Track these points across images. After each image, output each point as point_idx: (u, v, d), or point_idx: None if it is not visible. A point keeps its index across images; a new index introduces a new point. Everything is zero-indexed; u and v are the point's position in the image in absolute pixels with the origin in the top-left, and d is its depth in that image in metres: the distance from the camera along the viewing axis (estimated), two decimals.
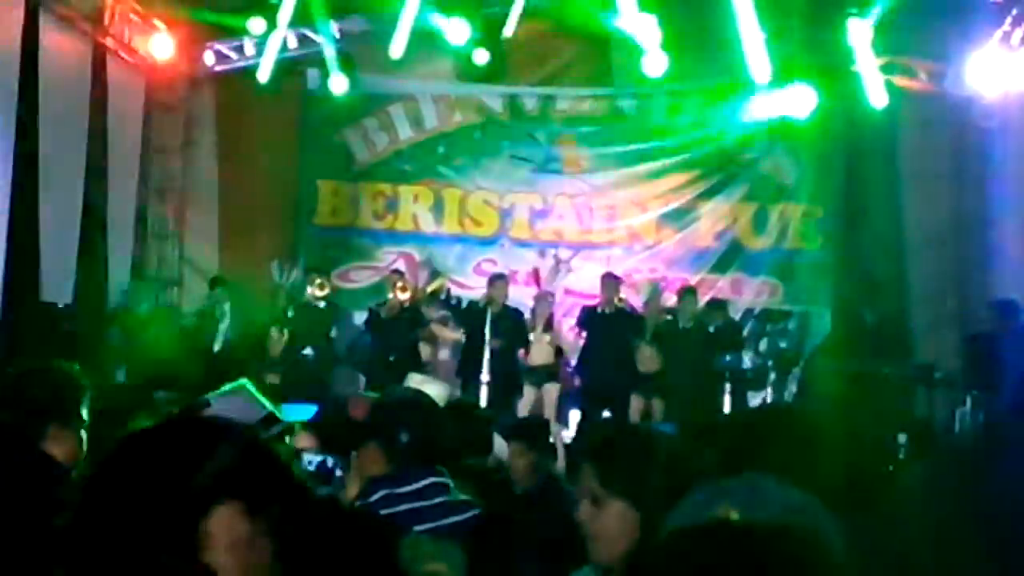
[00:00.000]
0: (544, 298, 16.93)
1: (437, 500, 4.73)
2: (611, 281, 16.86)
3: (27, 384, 5.02)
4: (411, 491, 4.71)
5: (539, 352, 16.67)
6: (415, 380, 8.69)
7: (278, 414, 5.21)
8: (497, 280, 16.89)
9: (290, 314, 16.78)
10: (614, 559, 3.53)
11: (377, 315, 16.79)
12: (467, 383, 16.13)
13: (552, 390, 16.51)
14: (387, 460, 4.86)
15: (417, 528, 4.47)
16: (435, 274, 18.48)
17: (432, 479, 4.79)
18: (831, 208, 18.99)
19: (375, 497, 4.69)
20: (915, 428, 13.95)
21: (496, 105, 19.47)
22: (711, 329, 16.87)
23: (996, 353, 15.07)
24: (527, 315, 16.75)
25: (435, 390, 6.81)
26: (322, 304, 16.91)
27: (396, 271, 17.64)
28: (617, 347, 16.44)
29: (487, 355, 15.95)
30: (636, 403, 16.51)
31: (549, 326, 16.77)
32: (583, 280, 18.64)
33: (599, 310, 16.72)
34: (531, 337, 16.58)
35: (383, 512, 4.54)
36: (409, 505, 4.66)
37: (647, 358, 16.48)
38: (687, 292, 17.29)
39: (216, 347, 16.72)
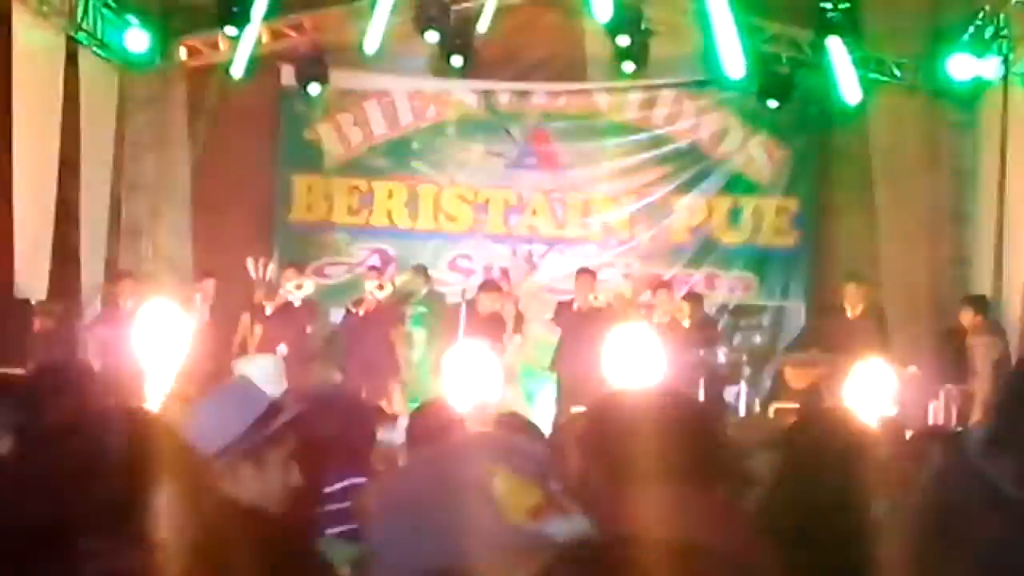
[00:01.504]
0: (509, 299, 16.85)
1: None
2: (585, 276, 16.82)
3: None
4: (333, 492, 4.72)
5: (513, 354, 16.66)
6: (240, 364, 8.54)
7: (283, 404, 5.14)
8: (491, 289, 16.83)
9: (267, 312, 16.73)
10: None
11: (354, 313, 16.76)
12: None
13: (517, 394, 16.43)
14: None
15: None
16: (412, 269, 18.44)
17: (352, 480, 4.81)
18: (805, 203, 19.05)
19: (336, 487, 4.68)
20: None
21: (471, 101, 19.45)
22: (685, 323, 16.89)
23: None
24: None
25: (261, 364, 6.76)
26: (297, 302, 16.84)
27: (372, 267, 17.60)
28: (592, 343, 16.43)
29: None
30: None
31: (518, 328, 16.74)
32: (557, 276, 18.63)
33: (574, 306, 16.69)
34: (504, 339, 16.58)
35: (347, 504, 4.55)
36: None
37: None
38: (661, 288, 17.28)
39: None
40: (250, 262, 17.07)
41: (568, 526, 1.77)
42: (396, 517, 1.83)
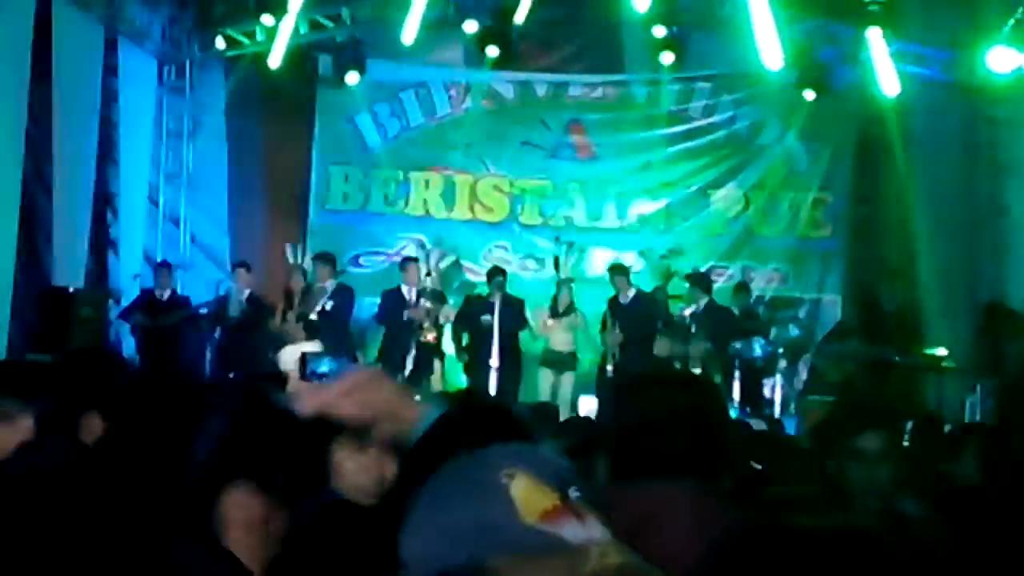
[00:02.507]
0: (566, 284, 16.96)
1: None
2: (618, 272, 16.90)
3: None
4: None
5: (559, 337, 16.75)
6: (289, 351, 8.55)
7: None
8: (495, 276, 16.86)
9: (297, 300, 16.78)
10: None
11: (392, 312, 16.69)
12: (476, 369, 16.20)
13: (568, 380, 16.57)
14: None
15: None
16: (445, 254, 18.46)
17: None
18: (842, 195, 19.00)
19: None
20: (922, 416, 13.90)
21: (507, 91, 19.46)
22: (735, 311, 16.96)
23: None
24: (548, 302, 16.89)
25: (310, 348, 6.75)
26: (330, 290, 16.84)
27: (408, 258, 17.56)
28: (638, 335, 16.47)
29: (496, 341, 15.99)
30: None
31: (570, 310, 16.83)
32: (594, 267, 18.64)
33: (619, 300, 16.74)
34: (548, 322, 16.67)
35: None
36: None
37: (661, 345, 16.55)
38: (702, 279, 17.31)
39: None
40: (289, 248, 17.14)
41: (584, 532, 1.78)
42: (423, 517, 1.85)
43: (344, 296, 16.65)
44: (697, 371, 15.38)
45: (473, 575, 1.75)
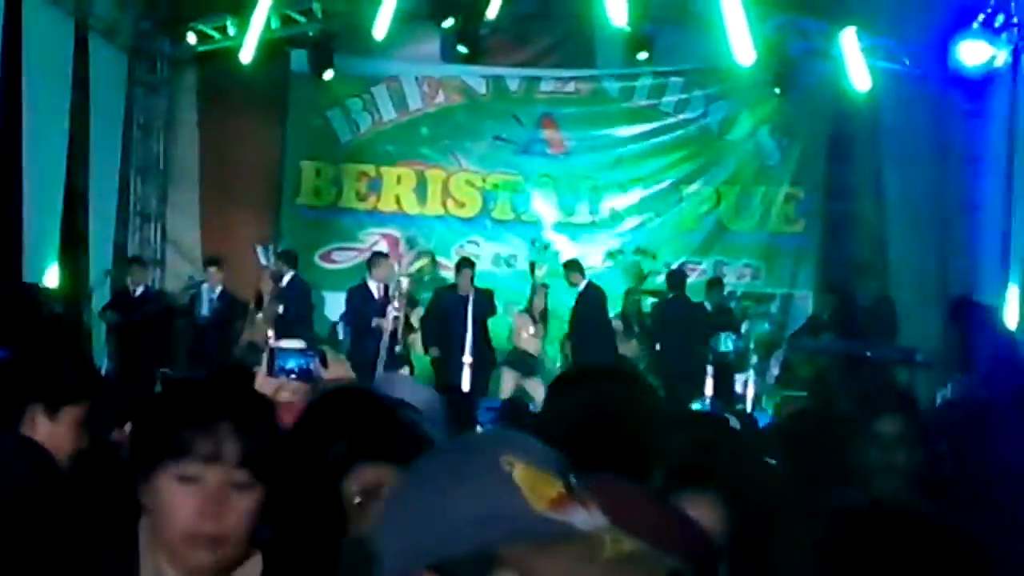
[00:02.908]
0: (541, 288, 16.97)
1: None
2: (572, 268, 17.02)
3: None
4: None
5: (528, 341, 16.77)
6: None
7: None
8: (464, 267, 16.87)
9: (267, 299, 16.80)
10: None
11: (358, 312, 16.65)
12: (449, 365, 16.15)
13: (534, 384, 16.48)
14: None
15: None
16: (420, 254, 18.43)
17: None
18: (814, 191, 19.03)
19: None
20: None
21: (480, 86, 19.44)
22: (709, 306, 17.02)
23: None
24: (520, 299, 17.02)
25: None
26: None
27: (377, 253, 17.55)
28: (586, 329, 16.55)
29: (469, 338, 15.97)
30: None
31: (542, 319, 16.87)
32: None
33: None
34: (524, 334, 16.71)
35: None
36: None
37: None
38: (675, 275, 17.38)
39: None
40: (260, 249, 17.10)
41: (591, 519, 1.77)
42: (408, 506, 1.83)
43: (298, 290, 16.68)
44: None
45: (480, 565, 1.73)
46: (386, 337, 16.18)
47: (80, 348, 16.49)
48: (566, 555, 1.70)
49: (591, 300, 16.80)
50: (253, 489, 2.61)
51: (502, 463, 1.77)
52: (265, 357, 4.82)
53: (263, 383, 4.68)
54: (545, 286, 17.10)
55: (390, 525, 1.82)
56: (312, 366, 4.79)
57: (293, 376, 4.79)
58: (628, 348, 16.79)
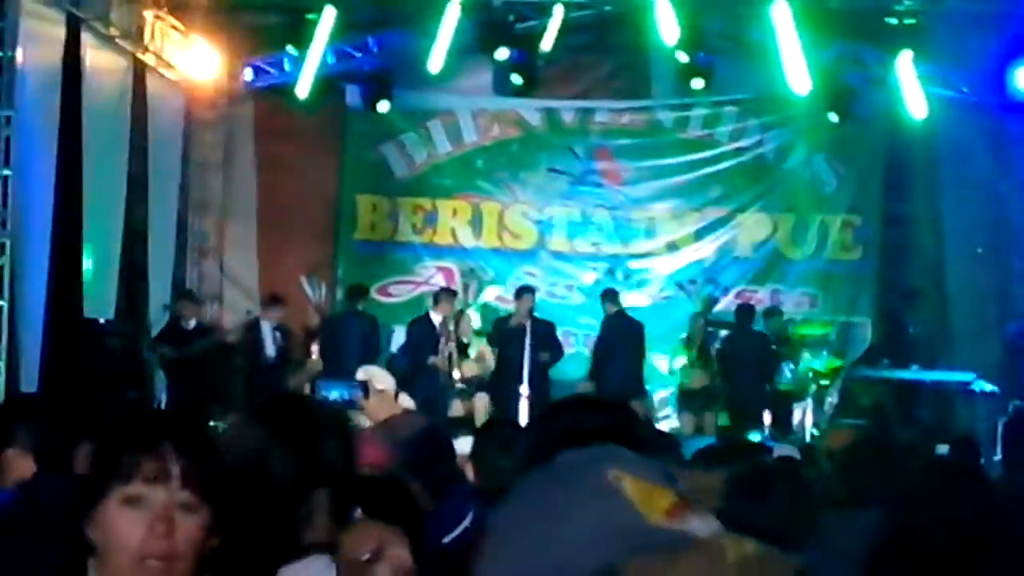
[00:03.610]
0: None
1: None
2: (525, 294, 16.97)
3: None
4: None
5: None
6: (364, 371, 8.57)
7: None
8: (525, 293, 16.92)
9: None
10: None
11: (418, 347, 16.67)
12: (506, 398, 16.07)
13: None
14: (431, 494, 4.78)
15: None
16: (481, 285, 18.45)
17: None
18: (870, 218, 18.94)
19: (460, 529, 4.62)
20: (956, 439, 13.85)
21: (534, 119, 19.48)
22: (771, 337, 17.00)
23: None
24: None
25: (385, 380, 6.75)
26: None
27: (445, 289, 17.55)
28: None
29: (527, 369, 15.92)
30: (687, 418, 16.62)
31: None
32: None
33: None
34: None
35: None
36: None
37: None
38: (744, 309, 17.47)
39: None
40: (305, 281, 17.19)
41: (707, 525, 1.77)
42: (519, 535, 1.82)
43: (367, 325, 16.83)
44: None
45: None
46: (442, 372, 16.23)
47: (138, 385, 16.70)
48: (691, 563, 1.70)
49: (625, 328, 16.90)
50: (199, 511, 2.62)
51: (610, 479, 1.77)
52: (307, 387, 4.87)
53: None
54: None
55: (501, 557, 1.81)
56: (355, 397, 4.83)
57: (336, 406, 4.83)
58: (696, 379, 16.74)
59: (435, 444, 4.91)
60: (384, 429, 5.23)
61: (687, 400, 16.97)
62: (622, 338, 16.94)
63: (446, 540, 4.34)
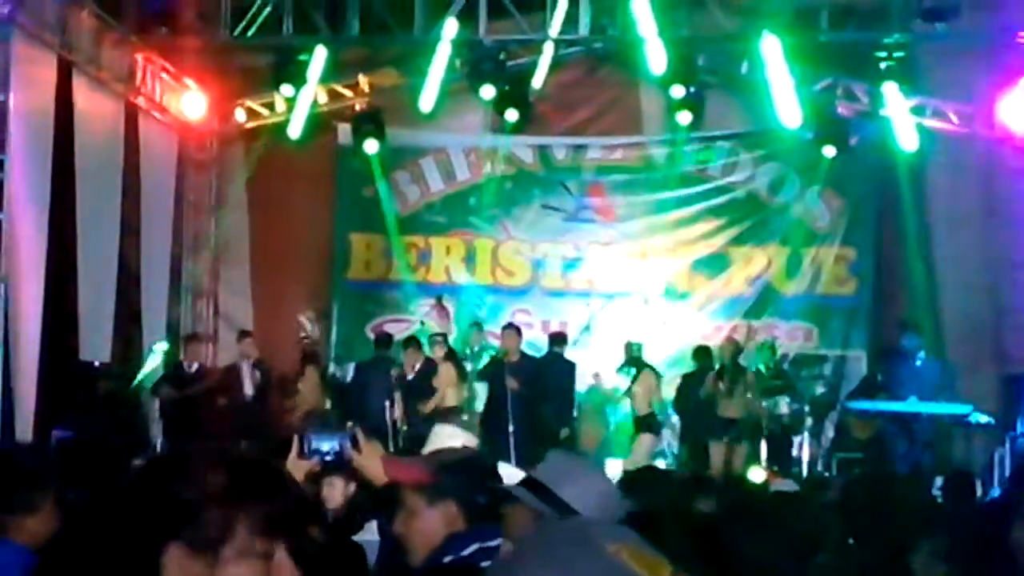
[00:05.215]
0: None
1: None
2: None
3: None
4: (495, 546, 4.68)
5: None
6: (445, 432, 8.57)
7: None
8: (507, 330, 16.96)
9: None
10: None
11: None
12: (493, 435, 15.94)
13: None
14: (465, 518, 4.80)
15: None
16: (473, 327, 18.35)
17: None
18: (864, 251, 18.93)
19: (468, 551, 4.63)
20: (952, 471, 13.84)
21: (526, 156, 19.51)
22: (763, 369, 16.97)
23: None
24: None
25: (464, 439, 6.74)
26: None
27: (411, 338, 17.56)
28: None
29: (510, 406, 15.95)
30: (716, 449, 16.56)
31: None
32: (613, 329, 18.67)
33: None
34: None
35: (483, 565, 4.51)
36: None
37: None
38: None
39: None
40: (306, 319, 17.19)
41: None
42: None
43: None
44: None
45: None
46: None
47: (133, 428, 16.64)
48: None
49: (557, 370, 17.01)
50: None
51: (608, 551, 1.77)
52: (295, 439, 4.81)
53: (294, 465, 4.67)
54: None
55: None
56: (344, 448, 4.80)
57: (328, 458, 4.81)
58: (730, 408, 16.67)
59: (478, 469, 4.91)
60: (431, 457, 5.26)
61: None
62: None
63: (447, 560, 4.35)
